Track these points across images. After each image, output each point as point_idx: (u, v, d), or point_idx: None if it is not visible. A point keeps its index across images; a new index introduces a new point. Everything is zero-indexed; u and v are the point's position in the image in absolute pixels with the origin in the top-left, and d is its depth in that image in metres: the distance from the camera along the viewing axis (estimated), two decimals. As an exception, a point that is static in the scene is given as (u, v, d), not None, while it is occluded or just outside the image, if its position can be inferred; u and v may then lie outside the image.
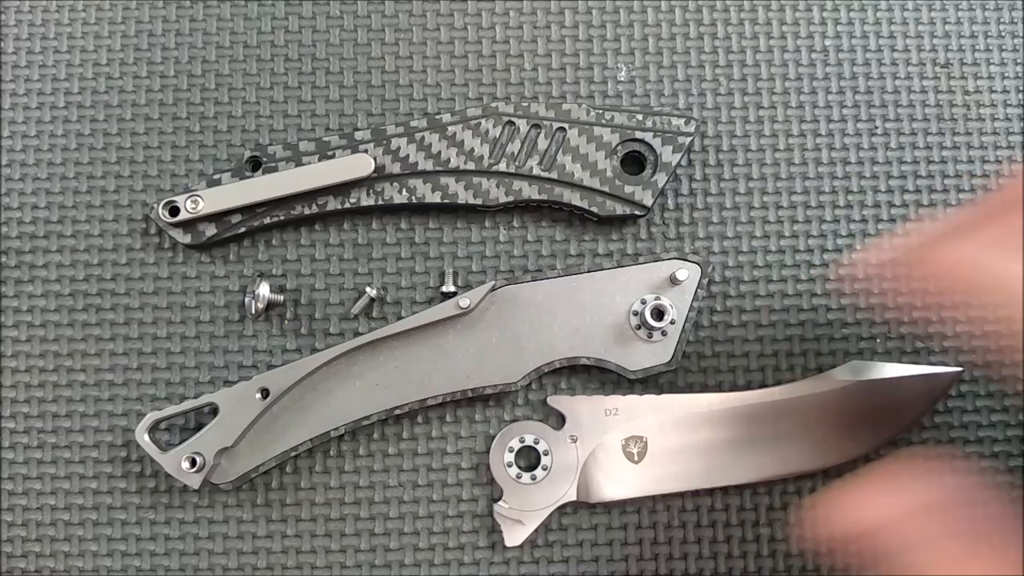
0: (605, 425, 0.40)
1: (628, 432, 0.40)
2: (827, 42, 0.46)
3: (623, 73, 0.45)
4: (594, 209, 0.42)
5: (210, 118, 0.44)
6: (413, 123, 0.43)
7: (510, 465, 0.40)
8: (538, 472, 0.40)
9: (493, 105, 0.43)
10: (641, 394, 0.41)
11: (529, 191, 0.42)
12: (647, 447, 0.40)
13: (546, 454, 0.40)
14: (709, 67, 0.45)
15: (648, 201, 0.42)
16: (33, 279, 0.43)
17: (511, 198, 0.42)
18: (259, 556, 0.41)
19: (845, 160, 0.44)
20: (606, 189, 0.42)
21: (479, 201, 0.42)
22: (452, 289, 0.42)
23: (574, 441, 0.40)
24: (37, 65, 0.45)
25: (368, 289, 0.42)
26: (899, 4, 0.46)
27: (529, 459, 0.41)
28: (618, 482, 0.40)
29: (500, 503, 0.40)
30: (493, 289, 0.41)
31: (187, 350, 0.42)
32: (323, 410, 0.40)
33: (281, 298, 0.42)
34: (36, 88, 0.44)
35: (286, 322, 0.43)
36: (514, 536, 0.40)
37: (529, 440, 0.40)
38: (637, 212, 0.42)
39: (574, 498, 0.40)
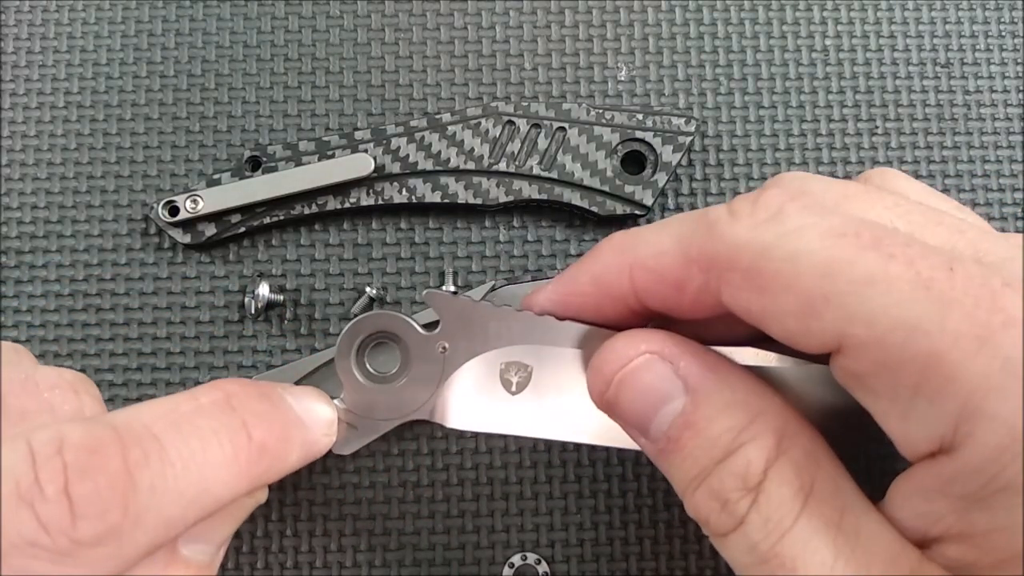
0: (487, 339, 0.33)
1: (511, 356, 0.33)
2: (827, 42, 0.46)
3: (623, 73, 0.45)
4: (594, 209, 0.42)
5: (210, 118, 0.44)
6: (413, 123, 0.43)
7: (359, 360, 0.34)
8: (392, 375, 0.34)
9: (493, 105, 0.43)
10: None
11: (529, 191, 0.42)
12: (530, 378, 0.32)
13: (408, 359, 0.34)
14: (709, 67, 0.45)
15: (648, 201, 0.42)
16: (33, 279, 0.43)
17: (511, 198, 0.42)
18: (258, 556, 0.41)
19: (845, 160, 0.44)
20: (606, 189, 0.42)
21: (479, 201, 0.42)
22: (452, 289, 0.42)
23: (443, 351, 0.33)
24: (37, 65, 0.45)
25: (368, 289, 0.42)
26: (899, 4, 0.46)
27: (384, 362, 0.35)
28: (485, 411, 0.33)
29: (337, 400, 0.35)
30: (493, 289, 0.41)
31: (187, 350, 0.42)
32: (323, 410, 0.40)
33: (281, 298, 0.42)
34: (36, 88, 0.44)
35: (286, 322, 0.43)
36: (344, 444, 0.34)
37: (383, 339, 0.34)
38: (637, 212, 0.42)
39: (427, 417, 0.34)
